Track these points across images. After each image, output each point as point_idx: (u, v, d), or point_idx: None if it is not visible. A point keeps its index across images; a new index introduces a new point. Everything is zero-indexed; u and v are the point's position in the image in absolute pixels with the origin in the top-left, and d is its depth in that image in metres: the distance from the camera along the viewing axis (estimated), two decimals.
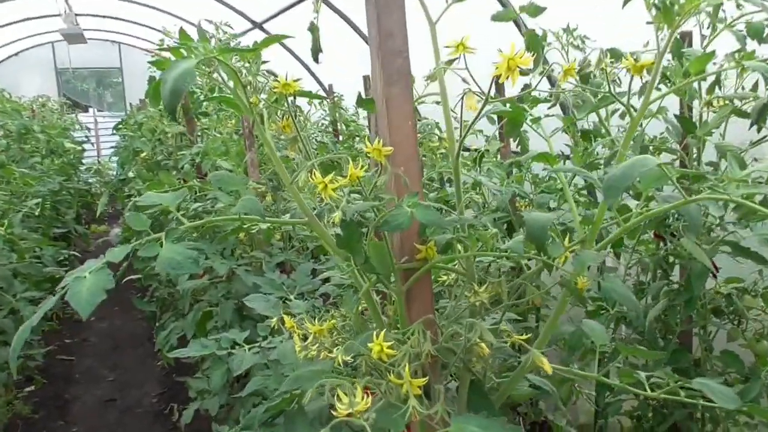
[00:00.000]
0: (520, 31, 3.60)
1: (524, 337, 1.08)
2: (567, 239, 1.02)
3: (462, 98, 0.97)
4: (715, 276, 2.10)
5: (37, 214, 3.74)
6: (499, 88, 2.81)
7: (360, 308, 1.11)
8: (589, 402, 2.67)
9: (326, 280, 1.89)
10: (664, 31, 0.93)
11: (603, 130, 2.20)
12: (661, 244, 2.28)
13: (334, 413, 0.73)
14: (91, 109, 14.16)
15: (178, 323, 3.11)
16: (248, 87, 0.97)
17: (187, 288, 2.76)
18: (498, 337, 1.04)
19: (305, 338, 1.00)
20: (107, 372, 5.21)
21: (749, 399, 1.79)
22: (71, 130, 8.05)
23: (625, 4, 1.07)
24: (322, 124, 4.88)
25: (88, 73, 14.79)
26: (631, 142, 1.93)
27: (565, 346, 2.06)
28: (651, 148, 2.15)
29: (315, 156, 1.05)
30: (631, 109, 0.93)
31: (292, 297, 2.17)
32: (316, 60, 1.15)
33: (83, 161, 8.69)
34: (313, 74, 6.69)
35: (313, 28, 1.14)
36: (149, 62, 0.99)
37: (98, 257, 0.89)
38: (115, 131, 5.31)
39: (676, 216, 2.25)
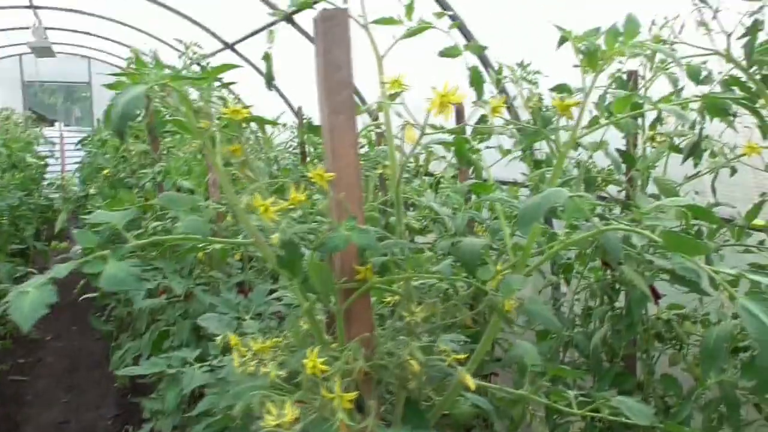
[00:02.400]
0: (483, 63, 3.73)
1: (461, 356, 1.13)
2: (501, 264, 1.08)
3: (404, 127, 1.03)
4: (656, 302, 2.19)
5: None
6: (460, 117, 2.91)
7: (305, 327, 1.15)
8: (543, 425, 2.73)
9: (280, 299, 1.92)
10: (590, 74, 1.00)
11: (554, 161, 2.30)
12: (608, 271, 2.38)
13: (262, 424, 0.77)
14: (57, 124, 13.94)
15: (134, 343, 3.08)
16: (199, 112, 1.02)
17: (144, 307, 2.76)
18: (435, 355, 1.09)
19: (244, 355, 1.03)
20: (62, 393, 5.10)
21: (681, 419, 1.87)
22: (35, 144, 7.93)
23: (559, 46, 1.15)
24: (290, 146, 4.93)
25: (56, 86, 14.61)
26: (572, 173, 2.02)
27: (517, 369, 2.12)
28: (599, 179, 2.25)
29: (264, 179, 1.09)
30: (554, 146, 1.01)
31: (247, 317, 2.19)
32: (269, 87, 1.20)
33: (46, 176, 8.55)
34: (282, 96, 6.75)
35: (267, 57, 1.20)
36: (105, 86, 1.03)
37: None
38: (80, 146, 5.26)
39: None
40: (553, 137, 1.09)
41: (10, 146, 6.09)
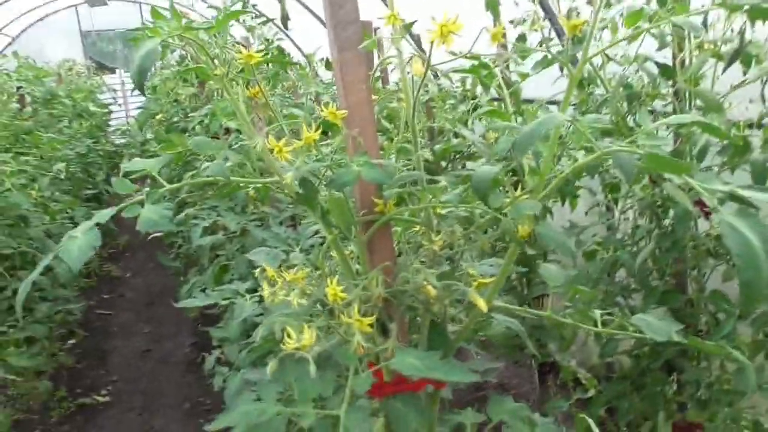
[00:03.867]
0: None
1: (485, 280, 1.17)
2: (519, 189, 1.10)
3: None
4: (707, 217, 2.14)
5: (63, 177, 3.92)
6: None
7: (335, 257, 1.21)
8: (594, 343, 2.77)
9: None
10: None
11: (599, 80, 2.23)
12: (656, 188, 2.32)
13: (283, 347, 0.85)
14: (117, 71, 14.32)
15: (199, 278, 3.28)
16: (215, 59, 1.06)
17: (204, 244, 2.92)
18: (460, 280, 1.14)
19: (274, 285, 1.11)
20: (143, 325, 5.51)
21: (723, 334, 1.87)
22: (97, 92, 8.23)
23: None
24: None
25: (113, 34, 14.90)
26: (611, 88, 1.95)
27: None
28: (643, 94, 2.17)
29: (284, 119, 1.14)
30: (570, 66, 0.99)
31: (296, 250, 2.30)
32: (285, 26, 1.22)
33: (111, 123, 8.91)
34: (297, 46, 6.68)
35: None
36: (128, 40, 1.08)
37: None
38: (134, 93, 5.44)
39: None
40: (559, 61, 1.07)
41: (74, 96, 6.36)
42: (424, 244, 1.07)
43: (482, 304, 0.94)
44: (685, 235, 1.94)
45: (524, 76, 1.87)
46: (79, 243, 0.93)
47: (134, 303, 6.02)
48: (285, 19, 1.21)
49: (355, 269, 1.15)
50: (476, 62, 1.20)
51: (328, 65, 1.09)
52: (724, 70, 1.54)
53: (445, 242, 1.06)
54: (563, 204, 2.88)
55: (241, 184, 1.44)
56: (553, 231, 0.93)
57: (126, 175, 1.04)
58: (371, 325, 0.93)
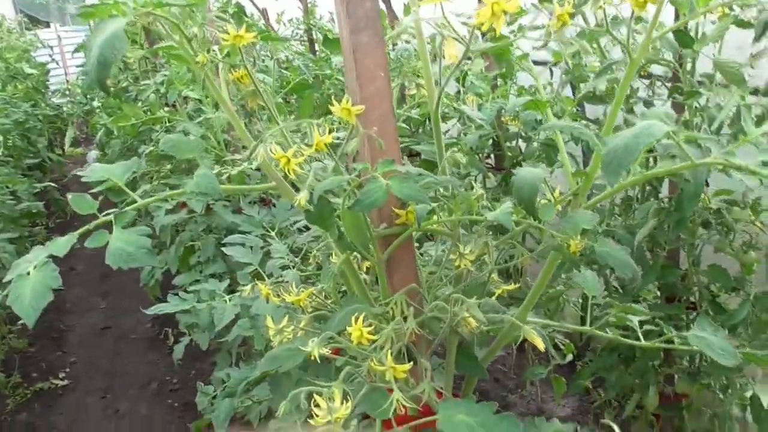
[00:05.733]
0: None
1: (511, 287, 1.02)
2: (557, 193, 0.94)
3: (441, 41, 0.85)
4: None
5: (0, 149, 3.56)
6: None
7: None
8: (575, 309, 2.70)
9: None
10: None
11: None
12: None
13: (311, 422, 0.68)
14: (52, 25, 13.36)
15: (161, 256, 3.05)
16: (194, 40, 0.84)
17: (166, 224, 2.69)
18: (485, 295, 0.99)
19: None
20: (98, 300, 5.23)
21: (739, 320, 1.78)
22: (32, 51, 7.60)
23: None
24: (296, 33, 4.61)
25: None
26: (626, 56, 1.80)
27: None
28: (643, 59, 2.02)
29: (274, 106, 0.94)
30: (630, 45, 0.83)
31: (272, 233, 2.10)
32: None
33: (50, 83, 8.29)
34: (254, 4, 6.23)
35: None
36: (77, 15, 0.85)
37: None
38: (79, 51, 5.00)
39: None
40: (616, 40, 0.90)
41: (6, 57, 5.83)
42: (452, 259, 0.91)
43: (540, 344, 0.79)
44: (692, 213, 1.83)
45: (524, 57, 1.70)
46: (32, 284, 0.73)
47: (87, 276, 5.70)
48: None
49: (366, 293, 0.98)
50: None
51: (326, 43, 0.90)
52: (755, 39, 1.39)
53: (477, 256, 0.90)
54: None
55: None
56: (614, 249, 0.78)
57: (85, 188, 0.83)
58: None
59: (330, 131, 0.88)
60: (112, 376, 4.18)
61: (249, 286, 1.06)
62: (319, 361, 0.74)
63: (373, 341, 0.76)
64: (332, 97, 3.48)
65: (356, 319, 0.76)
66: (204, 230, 2.70)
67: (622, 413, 2.80)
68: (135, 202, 0.86)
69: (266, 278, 1.68)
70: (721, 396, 2.30)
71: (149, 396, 3.96)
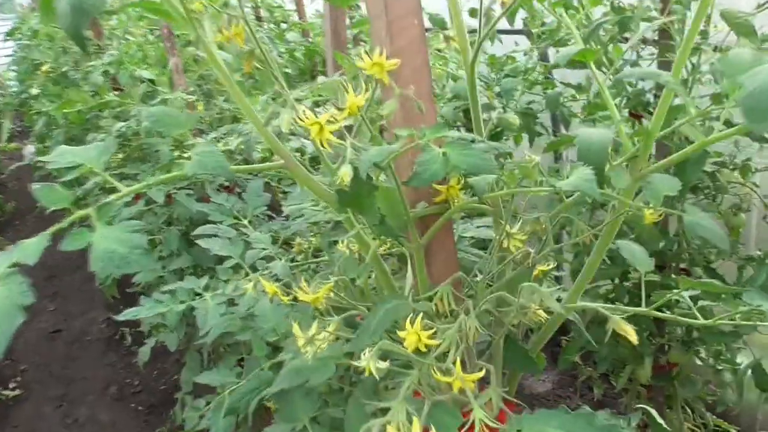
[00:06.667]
0: None
1: (547, 267, 0.90)
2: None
3: None
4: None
5: None
6: None
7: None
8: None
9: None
10: None
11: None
12: (638, 124, 2.14)
13: None
14: None
15: None
16: None
17: (123, 217, 2.46)
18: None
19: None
20: (46, 302, 4.91)
21: (760, 283, 1.72)
22: None
23: None
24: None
25: None
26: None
27: None
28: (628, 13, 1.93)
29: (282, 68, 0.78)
30: None
31: (245, 221, 1.93)
32: None
33: None
34: None
35: None
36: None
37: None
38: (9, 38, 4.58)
39: (655, 93, 2.09)
40: None
41: None
42: (501, 241, 0.77)
43: (633, 337, 0.67)
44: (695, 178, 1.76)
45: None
46: None
47: (31, 278, 5.30)
48: None
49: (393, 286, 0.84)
50: None
51: None
52: None
53: (530, 235, 0.77)
54: (517, 144, 2.68)
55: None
56: (705, 218, 0.67)
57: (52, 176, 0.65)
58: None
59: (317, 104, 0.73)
60: (68, 382, 3.92)
61: (232, 283, 0.90)
62: (370, 376, 0.60)
63: (433, 346, 0.63)
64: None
65: (411, 321, 0.62)
66: (164, 222, 2.48)
67: (606, 388, 2.76)
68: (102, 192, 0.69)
69: (249, 272, 1.53)
70: (713, 363, 2.28)
71: (110, 401, 3.73)
